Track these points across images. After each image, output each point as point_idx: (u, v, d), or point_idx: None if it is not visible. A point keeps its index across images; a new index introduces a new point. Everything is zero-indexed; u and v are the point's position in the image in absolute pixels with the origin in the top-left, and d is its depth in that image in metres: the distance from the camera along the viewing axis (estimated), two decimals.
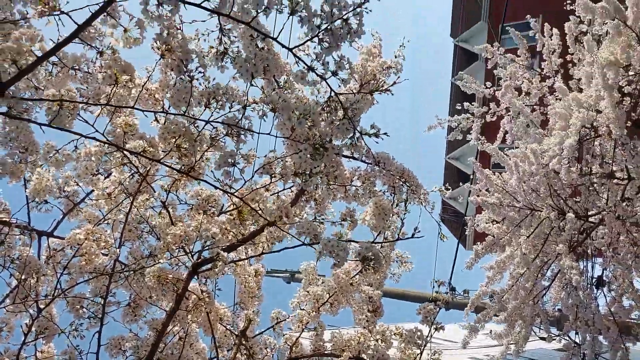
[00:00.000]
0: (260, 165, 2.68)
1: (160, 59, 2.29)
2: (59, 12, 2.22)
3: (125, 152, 2.53)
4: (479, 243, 6.86)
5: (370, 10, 2.30)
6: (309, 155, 2.45)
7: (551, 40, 7.94)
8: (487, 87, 8.20)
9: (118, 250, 2.90)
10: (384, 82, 2.88)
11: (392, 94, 2.82)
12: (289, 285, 13.64)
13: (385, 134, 2.63)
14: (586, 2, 6.11)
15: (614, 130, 5.90)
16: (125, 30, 2.27)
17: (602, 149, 6.52)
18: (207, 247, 2.74)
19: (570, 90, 7.08)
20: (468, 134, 8.08)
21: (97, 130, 2.48)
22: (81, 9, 2.46)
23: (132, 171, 2.94)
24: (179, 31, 2.26)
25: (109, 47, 2.40)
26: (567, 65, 7.80)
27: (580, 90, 6.82)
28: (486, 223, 7.11)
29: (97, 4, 2.32)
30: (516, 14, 14.14)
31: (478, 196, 6.69)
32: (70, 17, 2.33)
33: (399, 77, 2.98)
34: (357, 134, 2.60)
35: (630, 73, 6.47)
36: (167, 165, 2.54)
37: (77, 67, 2.62)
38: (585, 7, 6.10)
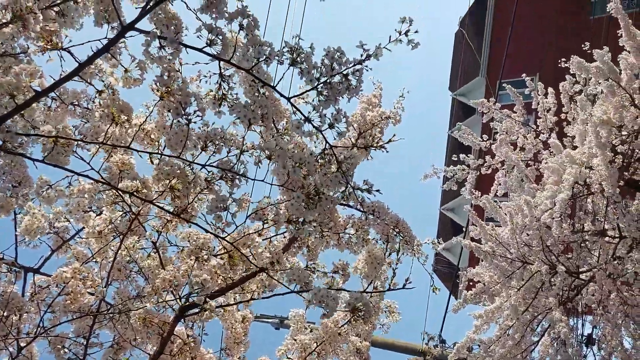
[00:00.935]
0: (253, 210, 2.67)
1: (158, 101, 2.31)
2: (60, 49, 2.25)
3: (118, 191, 2.52)
4: (468, 291, 6.81)
5: (371, 69, 2.34)
6: (302, 203, 2.45)
7: (546, 99, 8.08)
8: (483, 140, 8.29)
9: (105, 289, 2.86)
10: (380, 139, 2.90)
11: (387, 152, 2.84)
12: (277, 331, 13.40)
13: (377, 190, 2.63)
14: (580, 61, 6.25)
15: (606, 188, 5.94)
16: (126, 71, 2.29)
17: (595, 206, 6.55)
18: (195, 293, 2.70)
19: (564, 147, 7.16)
20: (463, 186, 8.12)
21: (92, 168, 2.48)
22: (82, 44, 2.49)
23: (124, 210, 2.92)
24: (180, 74, 2.29)
25: (109, 87, 2.42)
26: (562, 123, 7.91)
27: (574, 148, 6.89)
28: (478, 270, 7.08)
29: (99, 39, 2.36)
30: (513, 71, 14.43)
31: (472, 241, 6.67)
32: (71, 54, 2.36)
33: (394, 135, 3.01)
34: (350, 189, 2.61)
35: (623, 133, 6.56)
36: (158, 207, 2.53)
37: (76, 103, 2.64)
38: (580, 66, 6.23)
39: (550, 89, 8.13)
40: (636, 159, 6.59)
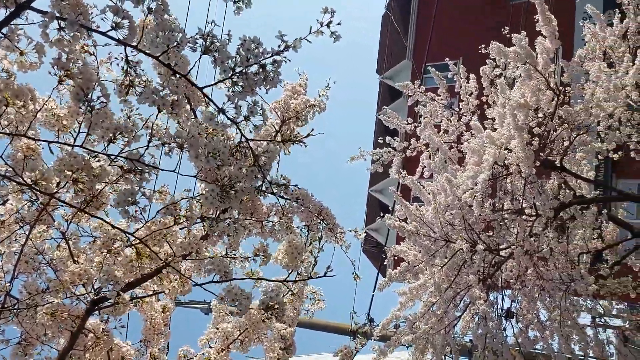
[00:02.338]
0: (164, 206, 2.57)
1: (57, 85, 2.16)
2: None
3: (15, 182, 2.35)
4: (393, 269, 6.97)
5: (290, 60, 2.28)
6: (217, 197, 2.37)
7: (468, 83, 8.29)
8: (408, 123, 8.42)
9: (9, 284, 2.69)
10: (298, 133, 2.85)
11: (306, 146, 2.81)
12: (207, 316, 13.26)
13: (295, 185, 2.59)
14: (499, 46, 6.43)
15: (524, 169, 6.19)
16: (22, 54, 2.13)
17: (513, 186, 6.81)
18: (107, 288, 2.58)
19: (484, 129, 7.39)
20: (390, 168, 8.24)
21: None
22: None
23: (32, 199, 2.75)
24: (81, 56, 2.15)
25: (4, 70, 2.25)
26: (483, 107, 8.15)
27: (494, 130, 7.12)
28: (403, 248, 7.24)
29: None
30: (438, 55, 14.74)
31: (397, 222, 6.79)
32: None
33: (312, 130, 2.97)
34: (267, 183, 2.55)
35: (540, 115, 6.84)
36: (60, 201, 2.38)
37: None
38: (499, 50, 6.42)
39: (472, 75, 8.35)
40: (551, 141, 6.89)
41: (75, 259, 2.85)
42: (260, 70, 2.28)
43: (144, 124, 2.60)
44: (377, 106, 19.44)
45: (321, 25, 2.35)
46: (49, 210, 2.86)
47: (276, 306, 2.42)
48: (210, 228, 2.54)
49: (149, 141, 2.27)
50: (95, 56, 2.54)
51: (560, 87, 6.82)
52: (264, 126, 2.56)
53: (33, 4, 2.15)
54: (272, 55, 2.29)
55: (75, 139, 2.51)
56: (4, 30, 2.07)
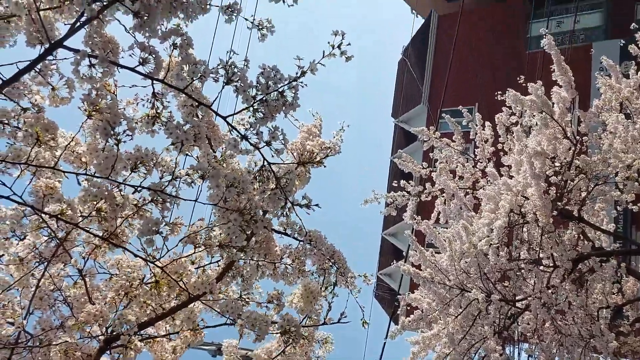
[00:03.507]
0: (185, 234, 2.57)
1: (86, 120, 2.20)
2: None
3: (41, 214, 2.37)
4: (406, 317, 6.84)
5: (306, 85, 2.33)
6: (239, 227, 2.38)
7: (484, 130, 8.31)
8: (423, 168, 8.42)
9: (25, 320, 2.67)
10: (320, 158, 2.87)
11: (325, 167, 2.83)
12: (214, 359, 13.04)
13: (317, 205, 2.60)
14: (516, 94, 6.47)
15: (541, 218, 6.13)
16: (53, 89, 2.18)
17: (530, 235, 6.72)
18: (121, 330, 2.56)
19: (501, 177, 7.37)
20: (403, 212, 8.20)
21: (14, 193, 2.32)
22: (11, 64, 2.37)
23: (50, 235, 2.76)
24: (109, 92, 2.19)
25: (34, 104, 2.29)
26: (499, 154, 8.15)
27: (511, 177, 7.10)
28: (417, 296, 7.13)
29: (28, 60, 2.24)
30: (453, 100, 14.86)
31: (412, 268, 6.71)
32: None
33: (331, 149, 2.99)
34: (289, 205, 2.56)
35: (557, 164, 6.82)
36: (85, 230, 2.39)
37: (6, 122, 2.49)
38: (515, 98, 6.45)
39: (487, 123, 8.37)
40: (569, 190, 6.84)
41: (91, 297, 2.83)
42: (280, 96, 2.33)
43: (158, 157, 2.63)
44: (392, 149, 19.52)
45: (333, 48, 2.40)
46: (67, 247, 2.86)
47: (293, 329, 2.38)
48: (229, 256, 2.53)
49: (173, 174, 2.29)
50: (113, 92, 2.58)
51: (577, 137, 6.82)
52: (284, 150, 2.58)
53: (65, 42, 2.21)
54: (289, 82, 2.33)
55: (89, 173, 2.53)
56: (38, 67, 2.13)
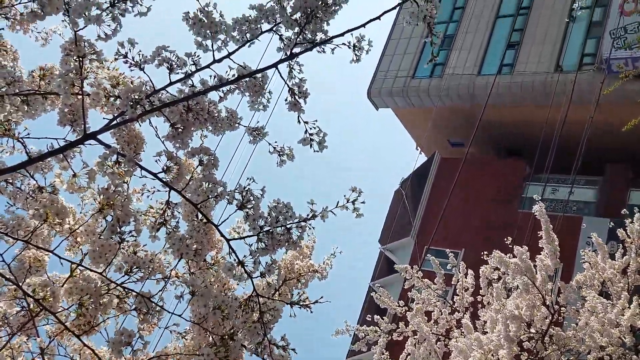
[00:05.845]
0: (156, 354, 2.54)
1: (97, 211, 2.27)
2: (16, 139, 2.22)
3: (25, 293, 2.37)
4: None
5: (314, 228, 2.41)
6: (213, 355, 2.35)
7: (466, 278, 8.39)
8: (399, 306, 8.39)
9: None
10: (306, 298, 2.90)
11: (312, 312, 2.85)
12: None
13: (293, 349, 2.59)
14: (501, 256, 6.61)
15: None
16: (74, 175, 2.27)
17: None
18: None
19: (475, 330, 7.34)
20: (373, 346, 8.07)
21: (3, 260, 2.34)
22: (39, 139, 2.49)
23: (23, 308, 2.73)
24: (125, 190, 2.28)
25: (51, 185, 2.37)
26: (477, 305, 8.16)
27: (485, 333, 7.07)
28: None
29: (56, 138, 2.35)
30: (442, 241, 15.04)
31: None
32: (24, 145, 2.34)
33: (322, 297, 3.03)
34: (266, 341, 2.56)
35: (532, 330, 6.82)
36: (60, 322, 2.37)
37: (10, 181, 2.56)
38: (500, 260, 6.59)
39: (470, 271, 8.47)
40: (540, 358, 6.79)
41: None
42: (285, 232, 2.39)
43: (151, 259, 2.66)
44: (373, 274, 19.43)
45: (347, 202, 2.50)
46: (36, 322, 2.82)
47: None
48: None
49: (165, 285, 2.32)
50: (127, 188, 2.67)
51: (556, 306, 6.88)
52: (276, 286, 2.62)
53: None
54: (299, 221, 2.41)
55: (83, 265, 2.55)
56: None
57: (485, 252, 7.59)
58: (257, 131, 2.61)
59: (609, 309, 6.57)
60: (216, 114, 2.46)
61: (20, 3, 2.03)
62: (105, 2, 2.13)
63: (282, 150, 2.63)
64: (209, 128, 2.49)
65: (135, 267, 2.22)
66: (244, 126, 2.61)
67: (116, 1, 2.15)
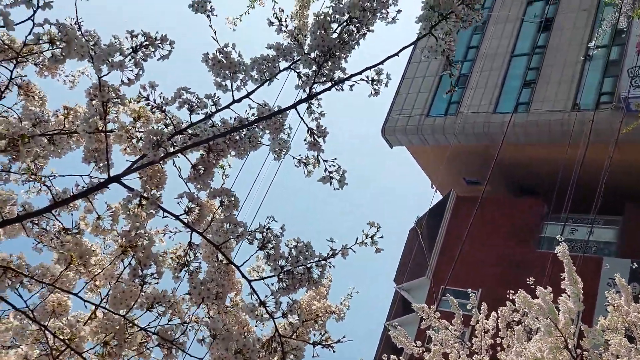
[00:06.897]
0: None
1: (120, 254, 2.27)
2: (42, 183, 2.25)
3: (53, 335, 2.36)
4: None
5: (334, 266, 2.39)
6: None
7: (486, 320, 8.24)
8: (416, 346, 8.24)
9: None
10: (328, 337, 2.86)
11: (335, 352, 2.81)
12: None
13: None
14: (526, 296, 6.49)
15: None
16: (99, 218, 2.28)
17: None
18: None
19: None
20: None
21: (27, 307, 2.34)
22: (63, 176, 2.51)
23: (45, 350, 2.71)
24: (148, 234, 2.28)
25: (76, 226, 2.38)
26: (497, 347, 7.98)
27: None
28: None
29: (80, 175, 2.37)
30: (458, 280, 14.85)
31: None
32: (48, 188, 2.36)
33: (344, 336, 2.99)
34: None
35: None
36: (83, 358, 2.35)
37: (36, 222, 2.57)
38: (524, 300, 6.46)
39: (493, 313, 8.32)
40: None
41: None
42: (306, 271, 2.37)
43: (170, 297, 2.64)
44: (389, 314, 19.16)
45: (366, 237, 2.48)
46: None
47: None
48: None
49: (185, 323, 2.29)
50: (150, 231, 2.68)
51: (578, 350, 6.70)
52: (298, 326, 2.58)
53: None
54: (319, 260, 2.39)
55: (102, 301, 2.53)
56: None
57: (510, 291, 7.45)
58: (281, 147, 2.55)
59: (633, 353, 6.40)
60: (237, 138, 2.44)
61: (48, 50, 2.07)
62: (129, 49, 2.16)
63: (307, 160, 2.59)
64: (232, 154, 2.48)
65: (155, 303, 2.21)
66: (266, 145, 2.57)
67: (138, 47, 2.18)
